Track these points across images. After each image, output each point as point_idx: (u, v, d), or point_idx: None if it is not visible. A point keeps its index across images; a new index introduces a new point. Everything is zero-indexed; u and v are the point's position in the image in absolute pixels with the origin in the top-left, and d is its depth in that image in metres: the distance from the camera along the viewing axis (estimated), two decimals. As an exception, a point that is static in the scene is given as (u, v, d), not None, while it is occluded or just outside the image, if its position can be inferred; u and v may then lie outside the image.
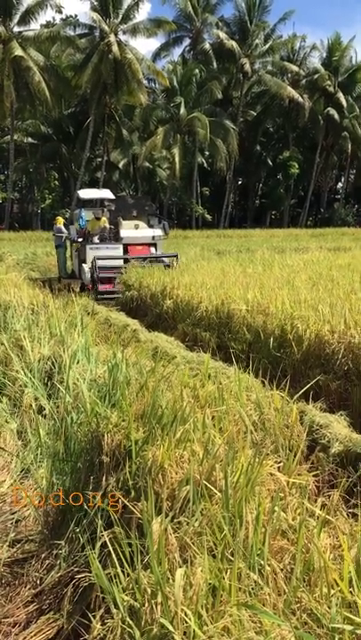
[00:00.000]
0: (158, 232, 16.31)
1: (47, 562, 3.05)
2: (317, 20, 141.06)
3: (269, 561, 2.18)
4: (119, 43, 38.46)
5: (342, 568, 2.06)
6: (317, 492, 3.41)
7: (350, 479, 3.65)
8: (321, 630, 1.91)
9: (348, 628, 1.83)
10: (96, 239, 15.46)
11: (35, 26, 39.24)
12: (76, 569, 2.77)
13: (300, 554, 2.18)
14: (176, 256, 14.99)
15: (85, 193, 18.69)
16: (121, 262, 14.40)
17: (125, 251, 15.44)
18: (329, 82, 49.73)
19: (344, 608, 1.95)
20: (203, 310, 8.47)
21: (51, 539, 3.15)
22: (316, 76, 49.91)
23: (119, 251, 15.27)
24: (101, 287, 13.91)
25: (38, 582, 3.00)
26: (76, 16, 51.55)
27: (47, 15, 64.81)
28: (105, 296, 13.52)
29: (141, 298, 11.50)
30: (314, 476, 3.56)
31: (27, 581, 3.07)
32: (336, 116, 49.54)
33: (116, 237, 15.69)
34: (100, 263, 14.05)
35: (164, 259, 15.12)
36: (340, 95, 49.80)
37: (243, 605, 1.92)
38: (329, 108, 49.88)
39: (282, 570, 2.19)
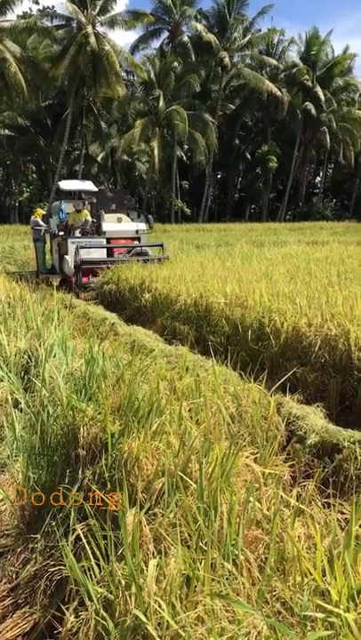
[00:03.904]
0: (142, 226, 15.99)
1: (23, 556, 3.04)
2: (295, 14, 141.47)
3: (243, 551, 2.19)
4: (96, 34, 38.13)
5: (315, 557, 2.08)
6: (293, 482, 3.43)
7: (326, 470, 3.69)
8: (294, 619, 1.92)
9: (320, 615, 1.85)
10: (78, 233, 15.16)
11: (11, 16, 38.69)
12: (51, 562, 2.76)
13: (273, 543, 2.20)
14: (161, 245, 14.73)
15: (66, 184, 18.28)
16: (104, 256, 14.22)
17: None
18: (307, 76, 49.86)
19: (317, 596, 1.97)
20: (181, 303, 8.47)
21: (27, 533, 3.13)
22: (294, 70, 49.98)
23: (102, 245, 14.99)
24: (84, 279, 13.68)
25: (14, 577, 2.98)
26: (53, 7, 51.12)
27: (24, 6, 64.11)
28: (87, 287, 13.38)
29: (120, 291, 11.45)
30: (290, 466, 3.59)
31: (2, 576, 3.05)
32: (313, 111, 49.74)
33: (98, 231, 15.31)
34: (82, 256, 13.78)
35: (147, 251, 14.86)
36: (319, 89, 50.01)
37: (216, 595, 1.93)
38: (307, 103, 50.06)
39: (256, 559, 2.20)
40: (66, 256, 14.63)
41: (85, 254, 13.71)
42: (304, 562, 2.07)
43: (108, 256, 14.26)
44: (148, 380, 3.77)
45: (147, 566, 2.07)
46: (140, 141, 44.83)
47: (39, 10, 50.85)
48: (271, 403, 4.05)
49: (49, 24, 39.14)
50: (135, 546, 2.15)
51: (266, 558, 2.19)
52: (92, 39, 37.08)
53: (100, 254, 14.30)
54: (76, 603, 2.28)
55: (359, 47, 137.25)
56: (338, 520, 2.50)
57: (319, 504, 2.77)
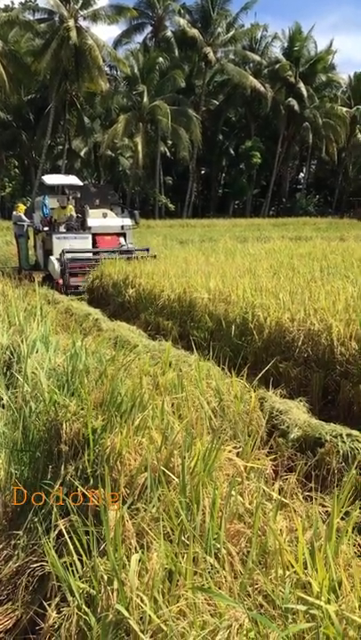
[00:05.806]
0: (127, 221, 15.79)
1: (5, 552, 3.02)
2: (279, 10, 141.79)
3: (226, 544, 2.19)
4: (79, 28, 37.89)
5: (297, 550, 2.09)
6: (275, 476, 3.44)
7: (308, 464, 3.71)
8: (275, 612, 1.93)
9: (302, 608, 1.86)
10: (62, 228, 14.92)
11: (-7, 9, 38.37)
12: (34, 559, 2.75)
13: (256, 537, 2.20)
14: (147, 250, 14.62)
15: (50, 179, 17.99)
16: (90, 254, 14.04)
17: (94, 241, 14.93)
18: (290, 72, 49.91)
19: (298, 589, 1.98)
20: (165, 299, 8.47)
21: (9, 529, 3.12)
22: (277, 66, 50.00)
23: (88, 241, 14.73)
24: (72, 280, 13.37)
25: (-4, 573, 2.96)
26: (35, 0, 50.49)
27: (5, -1, 63.30)
28: (76, 290, 13.14)
29: (103, 287, 11.41)
30: (273, 460, 3.60)
31: (-16, 573, 3.03)
32: (296, 107, 49.82)
33: (83, 226, 15.07)
34: (68, 256, 13.51)
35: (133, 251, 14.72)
36: (301, 85, 50.07)
37: (198, 589, 1.93)
38: (290, 99, 50.11)
39: (238, 553, 2.20)
40: (51, 257, 14.42)
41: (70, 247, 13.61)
42: (286, 555, 2.08)
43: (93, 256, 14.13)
44: (131, 375, 3.76)
45: (129, 561, 2.06)
46: (124, 136, 44.67)
47: (21, 3, 50.28)
48: (253, 397, 4.06)
49: (31, 17, 38.93)
50: (117, 541, 2.14)
51: (248, 552, 2.19)
52: (74, 33, 36.86)
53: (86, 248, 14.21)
54: (58, 599, 2.27)
55: (343, 43, 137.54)
56: (320, 513, 2.52)
57: (301, 497, 2.78)
